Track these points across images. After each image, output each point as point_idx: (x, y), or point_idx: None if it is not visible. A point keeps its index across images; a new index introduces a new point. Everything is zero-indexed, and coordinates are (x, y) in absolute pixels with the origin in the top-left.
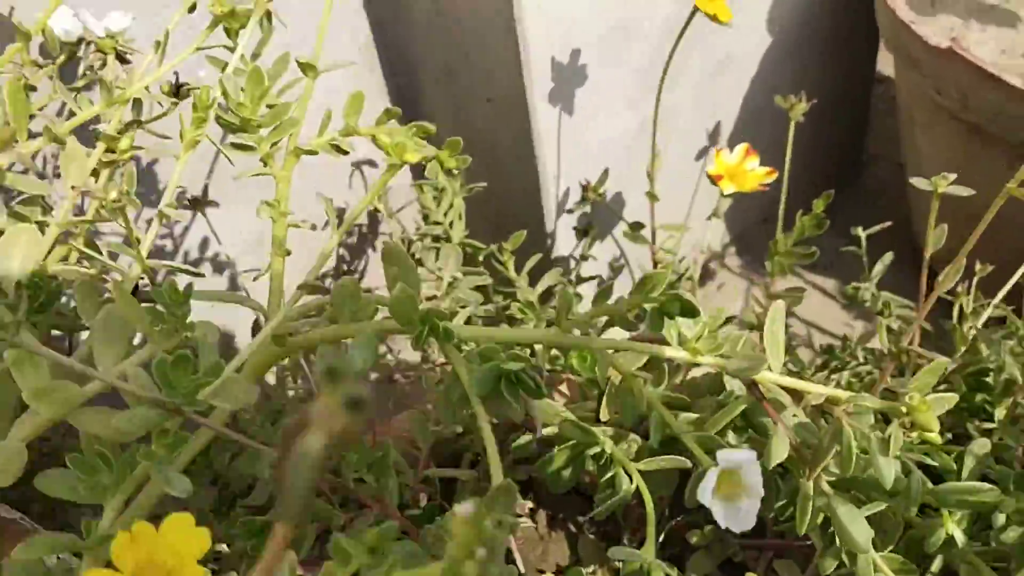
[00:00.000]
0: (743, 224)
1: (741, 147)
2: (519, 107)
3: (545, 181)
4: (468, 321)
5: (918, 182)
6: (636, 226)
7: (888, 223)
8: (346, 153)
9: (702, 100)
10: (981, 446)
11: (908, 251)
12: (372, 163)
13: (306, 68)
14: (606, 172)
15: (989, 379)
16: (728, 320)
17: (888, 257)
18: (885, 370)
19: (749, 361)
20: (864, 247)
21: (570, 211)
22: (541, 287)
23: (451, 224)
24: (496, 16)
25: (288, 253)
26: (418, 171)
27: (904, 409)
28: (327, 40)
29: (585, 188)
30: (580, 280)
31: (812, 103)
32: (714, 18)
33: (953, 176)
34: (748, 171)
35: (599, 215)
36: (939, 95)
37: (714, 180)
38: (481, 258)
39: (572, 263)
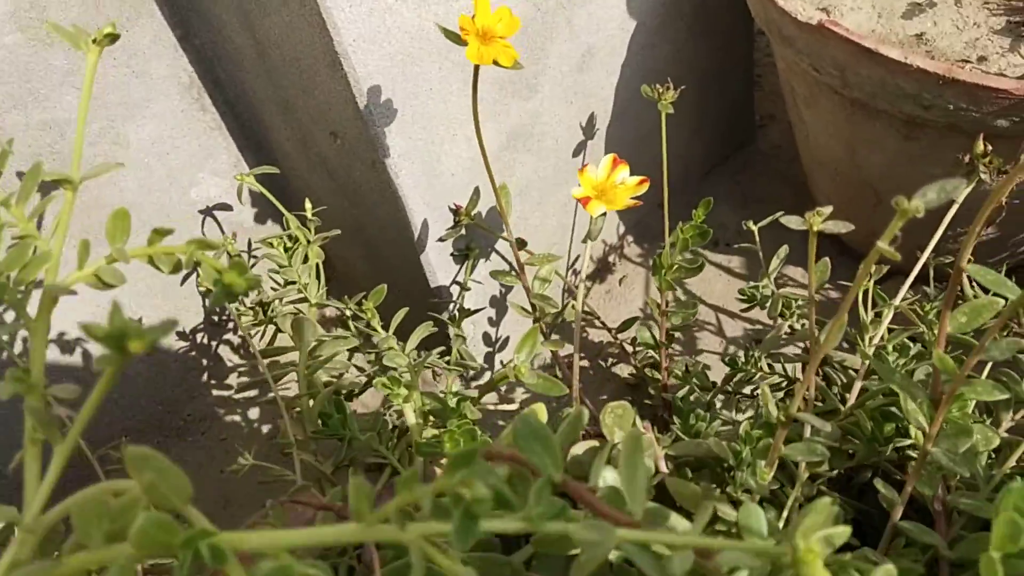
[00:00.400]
0: (638, 210)
1: (607, 159)
2: (364, 140)
3: (410, 211)
4: (337, 395)
5: (789, 221)
6: (520, 243)
7: (780, 213)
8: (113, 286)
9: (571, 97)
10: (886, 573)
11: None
12: (227, 207)
13: (62, 182)
14: (477, 191)
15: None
16: (628, 323)
17: (784, 251)
18: (778, 437)
19: (598, 532)
20: (758, 242)
21: (442, 239)
22: (412, 343)
23: (307, 283)
24: (318, 54)
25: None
26: (274, 214)
27: (788, 559)
28: (140, 86)
29: (456, 212)
30: (464, 313)
31: (682, 89)
32: (496, 63)
33: (828, 209)
34: (618, 185)
35: (477, 235)
36: (817, 72)
37: (582, 203)
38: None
39: (457, 291)
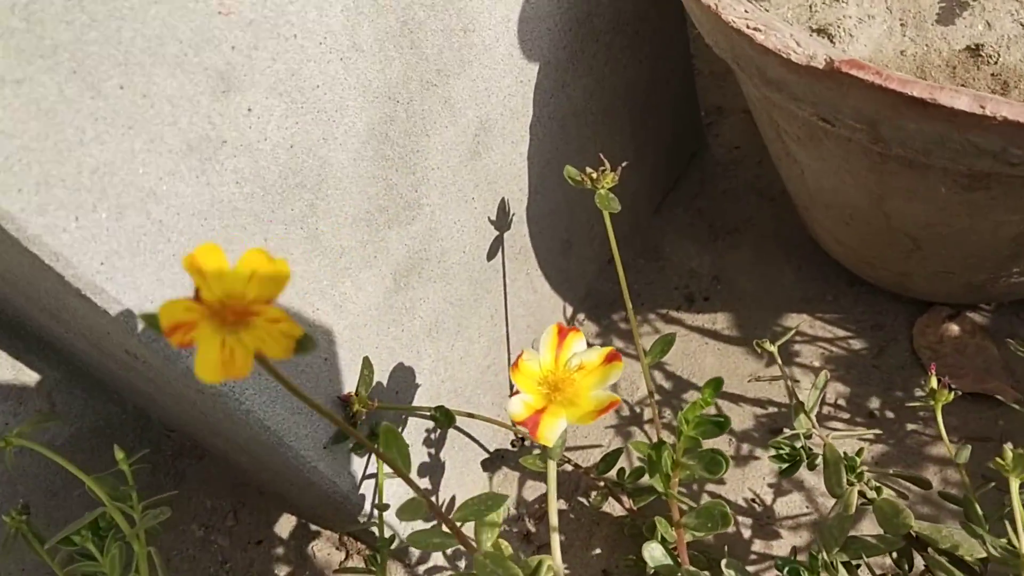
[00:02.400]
0: (584, 280)
1: (549, 334)
2: (172, 369)
3: (275, 432)
4: None
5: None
6: (443, 419)
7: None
8: None
9: (471, 192)
10: None
11: (797, 237)
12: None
13: None
14: (367, 364)
15: None
16: (610, 460)
17: (823, 379)
18: None
19: None
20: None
21: (328, 445)
22: None
23: None
24: (54, 286)
25: None
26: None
27: None
28: None
29: (346, 401)
30: (385, 545)
31: (624, 165)
32: (261, 360)
33: None
34: (576, 371)
35: (380, 413)
36: (827, 123)
37: (529, 427)
38: None
39: (367, 499)
